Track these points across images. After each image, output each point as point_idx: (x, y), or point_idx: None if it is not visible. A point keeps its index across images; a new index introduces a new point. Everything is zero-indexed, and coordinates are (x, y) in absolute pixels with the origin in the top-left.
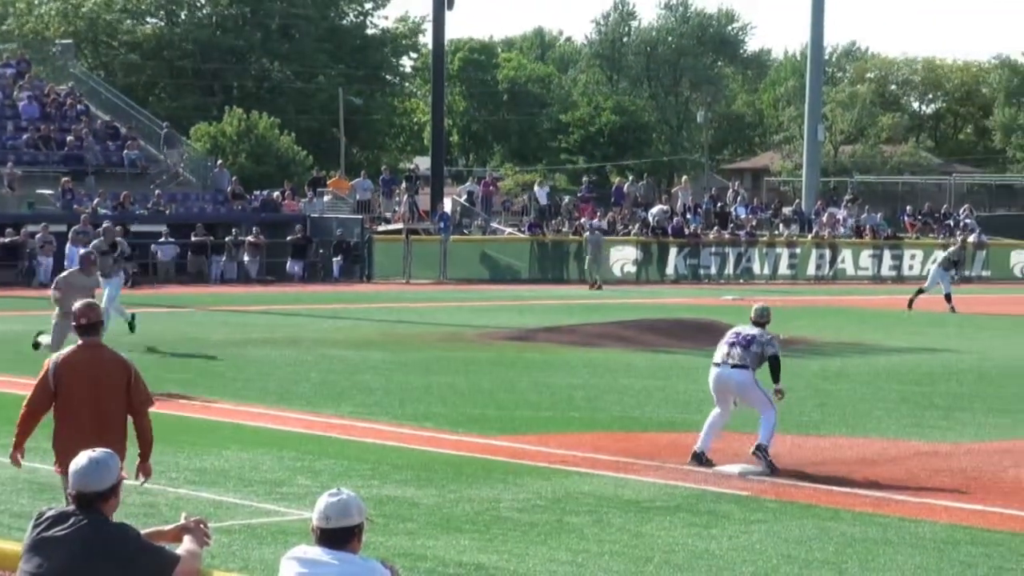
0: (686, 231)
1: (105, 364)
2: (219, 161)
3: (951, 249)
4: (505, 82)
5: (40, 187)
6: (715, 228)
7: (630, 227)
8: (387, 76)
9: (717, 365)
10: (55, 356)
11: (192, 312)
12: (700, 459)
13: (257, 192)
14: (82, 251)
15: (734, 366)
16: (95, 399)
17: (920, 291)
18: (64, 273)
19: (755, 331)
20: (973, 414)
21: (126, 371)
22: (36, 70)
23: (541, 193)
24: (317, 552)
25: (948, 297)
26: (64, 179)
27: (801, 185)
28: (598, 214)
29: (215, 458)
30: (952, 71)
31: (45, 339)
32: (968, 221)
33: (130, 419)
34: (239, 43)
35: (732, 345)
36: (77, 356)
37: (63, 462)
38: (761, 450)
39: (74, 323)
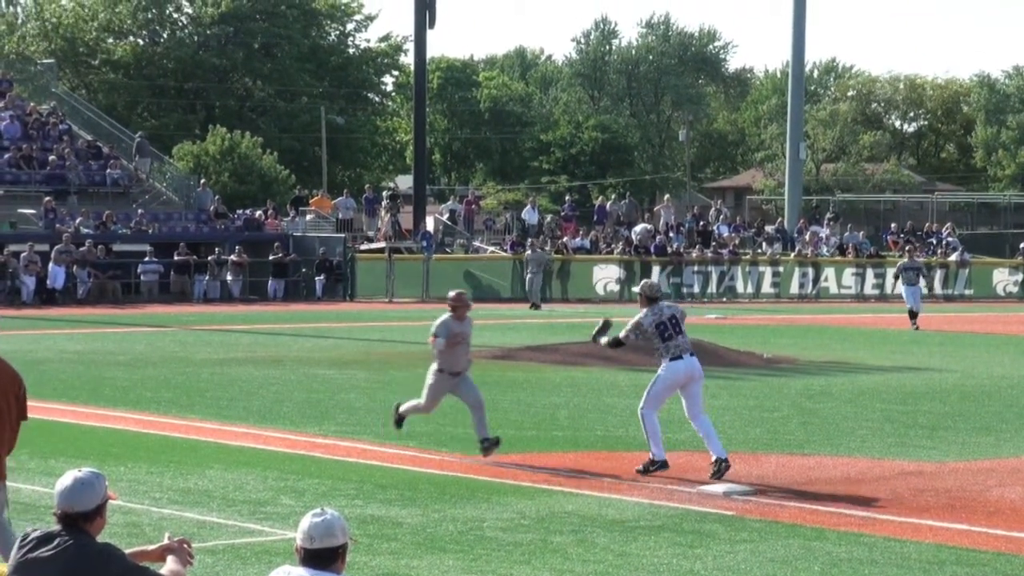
0: (669, 249)
1: (5, 375)
2: (202, 180)
3: (900, 263)
4: (486, 101)
5: (22, 207)
6: (698, 246)
7: (613, 246)
8: (369, 95)
9: (679, 358)
10: None
11: (175, 331)
12: (664, 466)
13: (240, 211)
14: (452, 293)
15: (692, 354)
16: None
17: (911, 312)
18: (442, 319)
19: (671, 311)
20: (957, 433)
21: (21, 384)
22: (18, 90)
23: (531, 213)
24: (301, 572)
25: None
26: (47, 198)
27: (783, 203)
28: (580, 232)
29: (198, 478)
30: (933, 89)
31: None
32: (951, 239)
33: None
34: (221, 62)
35: (678, 334)
36: None
37: None
38: (725, 464)
39: None
